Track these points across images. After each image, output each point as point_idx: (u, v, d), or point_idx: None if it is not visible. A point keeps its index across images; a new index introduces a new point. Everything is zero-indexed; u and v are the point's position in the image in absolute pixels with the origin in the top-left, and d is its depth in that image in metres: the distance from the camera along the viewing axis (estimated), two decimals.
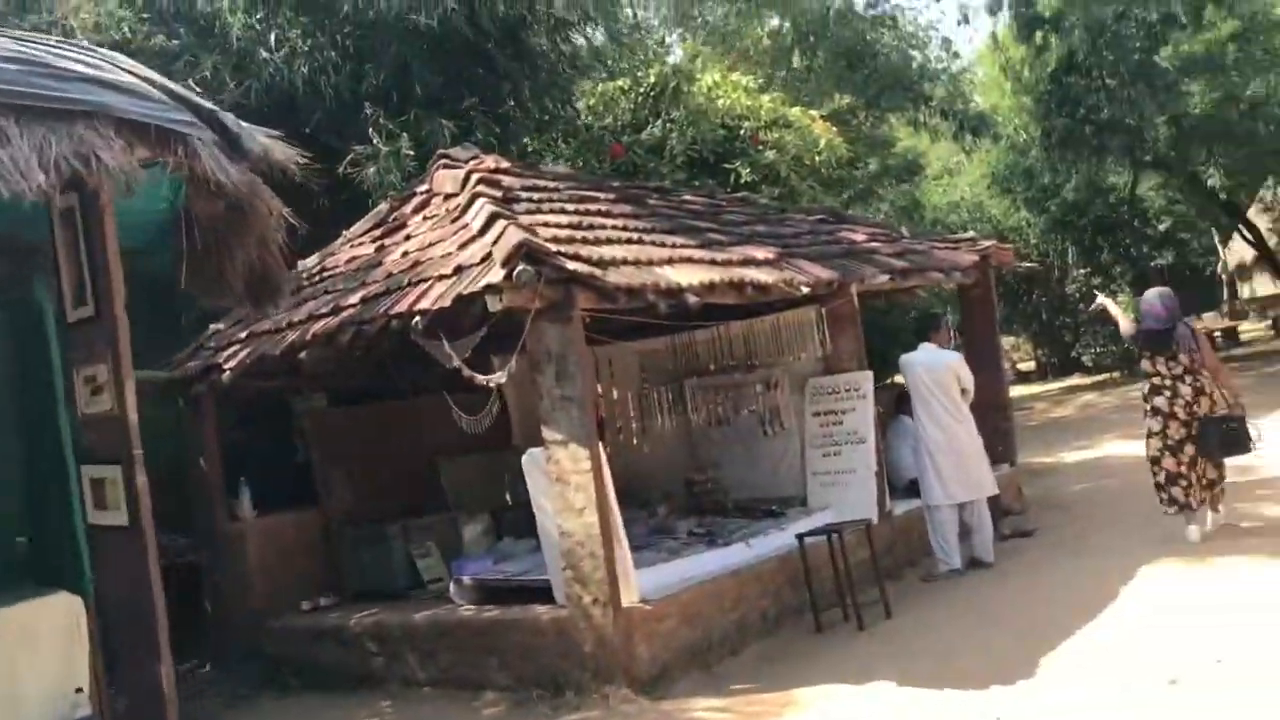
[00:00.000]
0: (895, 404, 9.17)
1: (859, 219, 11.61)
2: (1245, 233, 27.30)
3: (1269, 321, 28.00)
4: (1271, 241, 27.68)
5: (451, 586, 7.23)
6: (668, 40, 19.51)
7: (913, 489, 8.49)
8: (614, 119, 12.65)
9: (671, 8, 20.32)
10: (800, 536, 7.18)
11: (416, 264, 6.87)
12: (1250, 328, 29.07)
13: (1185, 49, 19.40)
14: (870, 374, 8.29)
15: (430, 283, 6.40)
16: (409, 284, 6.57)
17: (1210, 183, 24.26)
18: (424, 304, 6.20)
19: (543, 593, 6.50)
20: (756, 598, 6.99)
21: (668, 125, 12.20)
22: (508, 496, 8.60)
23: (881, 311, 12.69)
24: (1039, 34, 20.25)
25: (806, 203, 12.01)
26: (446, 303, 6.09)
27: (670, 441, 9.15)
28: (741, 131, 12.65)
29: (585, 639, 6.06)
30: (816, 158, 12.87)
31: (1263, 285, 32.96)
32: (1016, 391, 22.70)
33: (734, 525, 7.93)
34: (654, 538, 7.76)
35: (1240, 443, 7.80)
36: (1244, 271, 34.55)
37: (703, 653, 6.46)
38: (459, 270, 6.31)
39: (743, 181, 11.93)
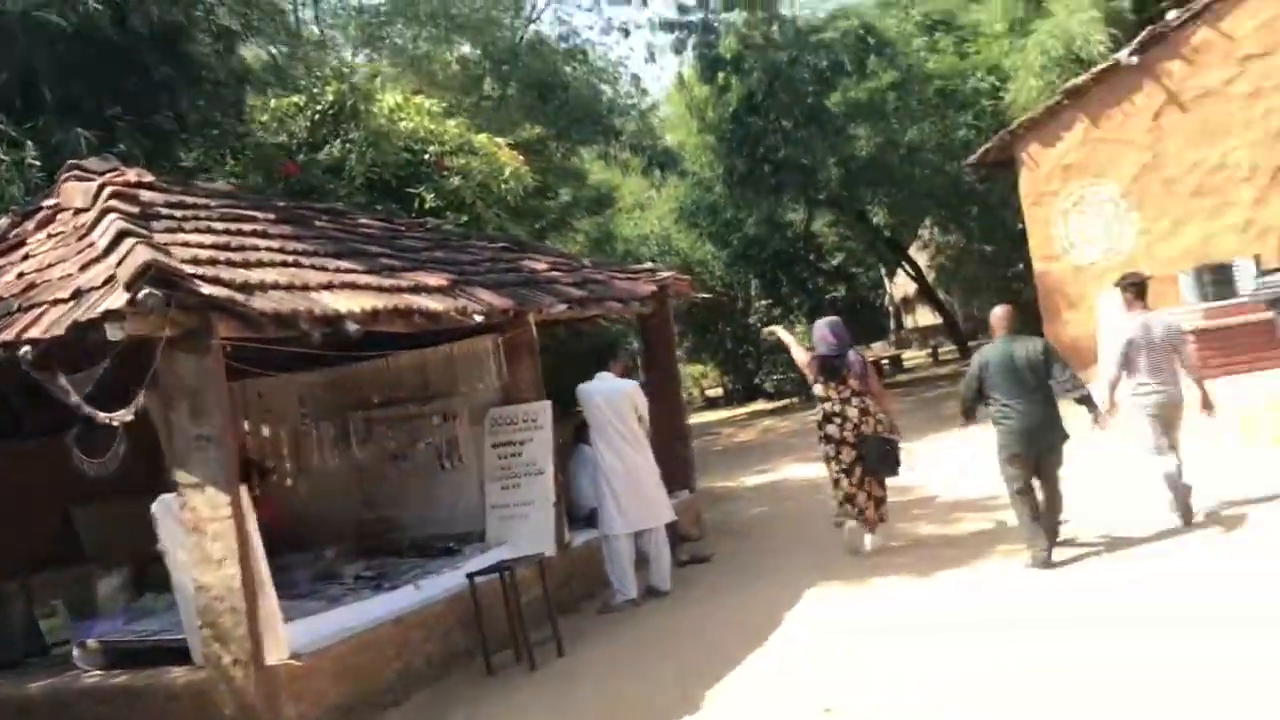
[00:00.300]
0: (575, 434, 9.05)
1: (542, 248, 11.49)
2: (908, 268, 29.51)
3: (929, 350, 30.37)
4: (930, 276, 30.05)
5: (75, 650, 6.39)
6: (355, 60, 18.83)
7: (593, 519, 8.36)
8: (289, 136, 11.95)
9: (358, 28, 19.71)
10: (471, 575, 6.87)
11: (31, 287, 6.05)
12: (913, 355, 31.44)
13: (852, 95, 20.75)
14: (548, 404, 8.11)
15: (44, 308, 5.63)
16: (19, 309, 5.76)
17: (876, 221, 26.08)
18: (34, 332, 5.44)
19: (181, 653, 5.84)
20: (423, 643, 6.60)
21: (347, 146, 11.64)
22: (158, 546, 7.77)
23: (563, 340, 12.63)
24: (721, 75, 21.10)
25: (493, 231, 11.78)
26: (60, 331, 5.35)
27: (341, 480, 8.61)
28: (426, 156, 12.27)
29: (225, 703, 5.46)
30: (503, 186, 12.67)
31: (924, 316, 35.81)
32: (704, 417, 23.44)
33: (407, 566, 7.51)
34: (317, 585, 7.21)
35: (892, 464, 8.26)
36: (908, 304, 37.44)
37: (360, 708, 6.00)
38: (78, 294, 5.59)
39: (427, 207, 11.55)
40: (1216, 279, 12.50)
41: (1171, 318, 7.93)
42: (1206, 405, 7.45)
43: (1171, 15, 13.96)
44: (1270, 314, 11.10)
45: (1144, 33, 14.11)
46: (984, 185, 19.58)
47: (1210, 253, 13.44)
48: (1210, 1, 13.63)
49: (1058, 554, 7.16)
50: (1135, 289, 7.61)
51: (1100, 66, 14.47)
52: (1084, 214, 14.72)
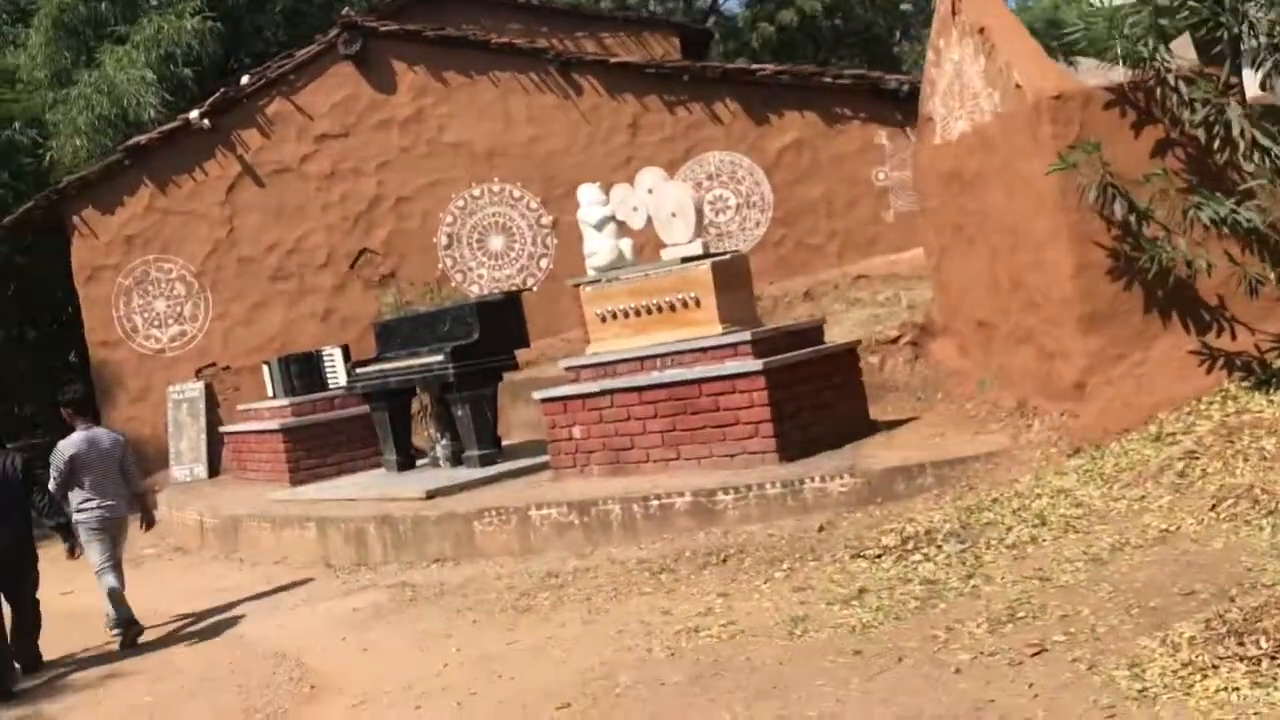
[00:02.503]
0: None
1: None
2: None
3: None
4: None
5: None
6: None
7: None
8: None
9: None
10: None
11: None
12: None
13: None
14: None
15: None
16: None
17: None
18: None
19: None
20: None
21: None
22: None
23: None
24: None
25: None
26: None
27: None
28: None
29: None
30: None
31: None
32: None
33: None
34: None
35: None
36: None
37: None
38: None
39: None
40: (303, 370, 11.23)
41: (115, 433, 7.74)
42: (149, 523, 7.53)
43: (245, 80, 12.68)
44: (365, 408, 10.15)
45: (216, 94, 12.61)
46: (26, 257, 16.20)
47: (294, 342, 12.31)
48: (285, 72, 12.65)
49: None
50: (75, 405, 7.37)
51: (168, 126, 12.62)
52: (150, 294, 12.67)
